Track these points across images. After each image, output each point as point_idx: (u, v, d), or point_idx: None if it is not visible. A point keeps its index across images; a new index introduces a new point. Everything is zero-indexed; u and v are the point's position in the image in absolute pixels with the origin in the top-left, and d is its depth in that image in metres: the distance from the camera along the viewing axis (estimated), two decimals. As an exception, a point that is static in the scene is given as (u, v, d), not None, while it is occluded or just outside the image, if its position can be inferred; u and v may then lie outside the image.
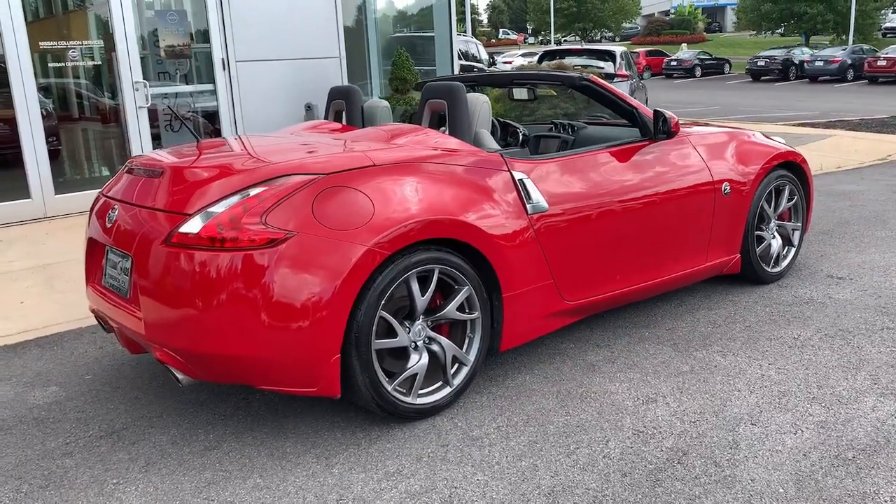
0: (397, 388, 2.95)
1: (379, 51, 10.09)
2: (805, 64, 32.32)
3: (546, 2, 51.60)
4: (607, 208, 3.57)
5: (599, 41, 56.72)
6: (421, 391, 3.03)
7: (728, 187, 4.13)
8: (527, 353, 3.66)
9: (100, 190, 3.56)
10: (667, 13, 73.38)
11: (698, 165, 4.04)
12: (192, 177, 2.95)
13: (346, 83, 8.84)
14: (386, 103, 4.27)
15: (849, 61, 31.33)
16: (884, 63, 30.22)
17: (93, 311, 3.46)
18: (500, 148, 3.50)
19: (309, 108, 7.68)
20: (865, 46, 33.67)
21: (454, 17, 9.69)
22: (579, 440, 2.85)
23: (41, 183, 7.03)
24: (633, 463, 2.67)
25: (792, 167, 4.62)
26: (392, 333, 2.94)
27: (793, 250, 4.74)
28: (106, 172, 8.00)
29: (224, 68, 7.92)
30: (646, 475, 2.60)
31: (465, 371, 3.15)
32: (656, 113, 3.85)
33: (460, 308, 3.10)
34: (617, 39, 60.09)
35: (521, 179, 3.31)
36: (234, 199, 2.78)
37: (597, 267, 3.57)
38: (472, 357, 3.16)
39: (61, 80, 7.44)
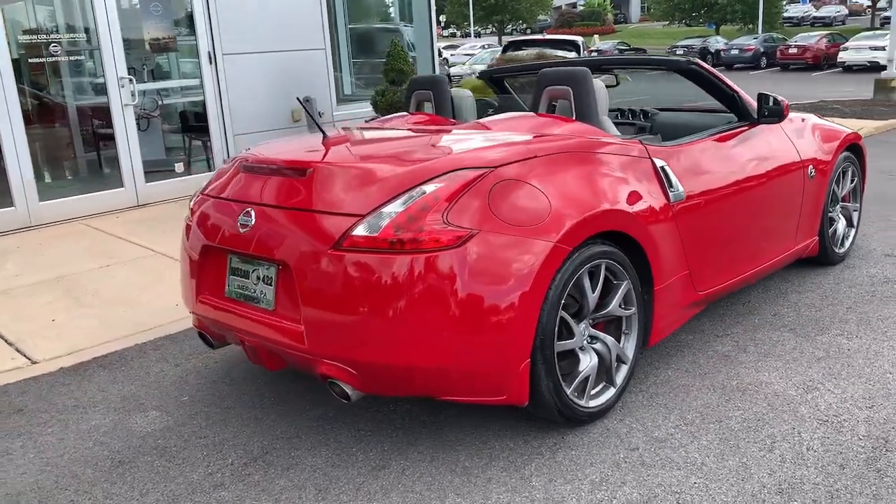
0: (574, 391, 2.79)
1: (349, 43, 9.78)
2: (721, 52, 33.53)
3: (464, -6, 51.69)
4: (731, 194, 3.50)
5: (511, 34, 57.24)
6: (591, 393, 2.88)
7: (813, 170, 4.14)
8: (653, 347, 3.56)
9: (200, 191, 3.24)
10: (574, 5, 74.91)
11: (791, 148, 4.03)
12: (352, 175, 2.69)
13: (331, 75, 8.52)
14: (470, 93, 4.08)
15: (762, 49, 32.68)
16: (795, 51, 31.70)
17: (200, 325, 3.15)
18: (630, 136, 3.37)
19: (308, 100, 7.34)
20: (776, 35, 35.23)
21: (433, 8, 9.48)
22: (770, 434, 2.76)
23: (24, 189, 6.46)
24: (842, 454, 2.60)
25: (854, 149, 4.68)
26: (568, 335, 2.77)
27: (853, 231, 4.81)
28: (94, 175, 7.43)
29: (211, 62, 7.48)
30: (864, 465, 2.53)
31: (624, 370, 3.01)
32: (764, 96, 3.80)
33: (620, 304, 2.96)
34: (529, 32, 60.80)
35: (662, 167, 3.19)
36: (409, 197, 2.54)
37: (722, 255, 3.50)
38: (630, 354, 3.03)
39: (40, 76, 6.85)
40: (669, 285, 3.16)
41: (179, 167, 7.59)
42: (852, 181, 4.72)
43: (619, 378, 2.98)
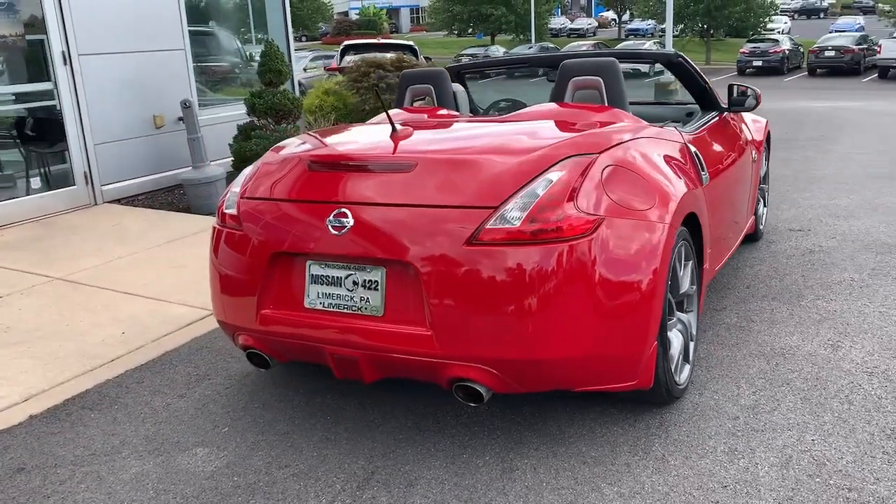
0: (672, 370, 2.86)
1: (188, 42, 9.11)
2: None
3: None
4: (727, 178, 3.77)
5: (299, 40, 56.32)
6: (678, 371, 2.96)
7: (755, 152, 4.57)
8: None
9: (239, 194, 2.88)
10: (346, 13, 75.39)
11: (745, 134, 4.41)
12: (467, 166, 2.54)
13: (192, 77, 7.90)
14: (462, 88, 4.01)
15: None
16: (569, 58, 34.38)
17: (258, 344, 2.80)
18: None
19: (188, 105, 6.74)
20: (549, 45, 37.96)
21: (289, 16, 9.12)
22: (839, 389, 3.00)
23: None
24: (908, 398, 2.92)
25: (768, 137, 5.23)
26: (669, 315, 2.83)
27: (766, 209, 5.36)
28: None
29: (65, 62, 6.62)
30: (933, 405, 2.85)
31: (692, 346, 3.13)
32: (739, 88, 4.12)
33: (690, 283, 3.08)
34: (304, 39, 60.18)
35: (695, 152, 3.36)
36: (539, 185, 2.46)
37: (722, 234, 3.75)
38: (695, 332, 3.15)
39: None
40: (708, 266, 3.34)
41: (35, 183, 6.63)
42: (767, 162, 5.26)
43: (691, 355, 3.10)
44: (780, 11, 47.95)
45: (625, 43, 39.83)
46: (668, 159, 3.02)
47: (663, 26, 45.83)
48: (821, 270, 4.46)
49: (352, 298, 2.58)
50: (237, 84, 9.23)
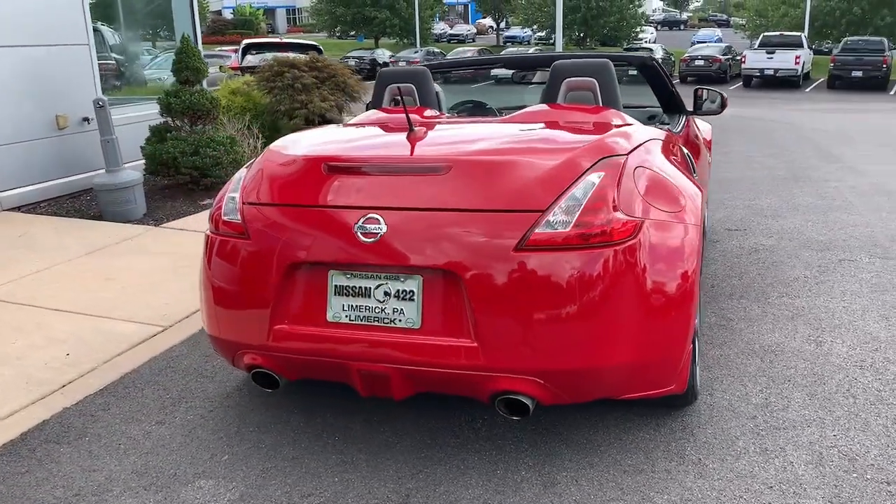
0: (692, 372, 2.85)
1: (92, 37, 8.47)
2: (392, 64, 35.40)
3: None
4: (702, 175, 3.84)
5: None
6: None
7: (709, 154, 4.70)
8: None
9: (243, 199, 2.63)
10: (219, 12, 73.02)
11: (703, 136, 4.53)
12: (506, 168, 2.41)
13: (97, 75, 7.31)
14: (438, 87, 3.86)
15: (424, 62, 35.21)
16: (455, 63, 34.75)
17: (269, 363, 2.56)
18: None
19: (101, 105, 6.21)
20: (434, 49, 38.23)
21: (197, 16, 8.65)
22: (838, 384, 3.08)
23: None
24: (903, 389, 3.04)
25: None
26: (691, 316, 2.81)
27: (707, 208, 5.54)
28: None
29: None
30: (929, 395, 2.99)
31: (697, 346, 3.13)
32: (707, 92, 4.20)
33: (694, 283, 3.08)
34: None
35: (687, 154, 3.38)
36: (583, 188, 2.37)
37: (701, 234, 3.82)
38: (698, 330, 3.16)
39: None
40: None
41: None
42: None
43: (697, 356, 3.10)
44: (647, 22, 50.44)
45: (509, 49, 40.62)
46: (675, 160, 3.01)
47: (540, 34, 47.38)
48: (773, 269, 4.63)
49: (383, 310, 2.40)
50: (143, 83, 8.66)
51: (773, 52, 25.62)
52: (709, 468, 2.53)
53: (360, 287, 2.42)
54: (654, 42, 44.97)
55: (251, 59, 11.86)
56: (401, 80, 3.70)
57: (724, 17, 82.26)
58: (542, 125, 2.95)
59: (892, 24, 34.49)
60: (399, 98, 3.67)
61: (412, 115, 3.35)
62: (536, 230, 2.28)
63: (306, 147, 2.75)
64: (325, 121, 8.66)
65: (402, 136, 2.69)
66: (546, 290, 2.26)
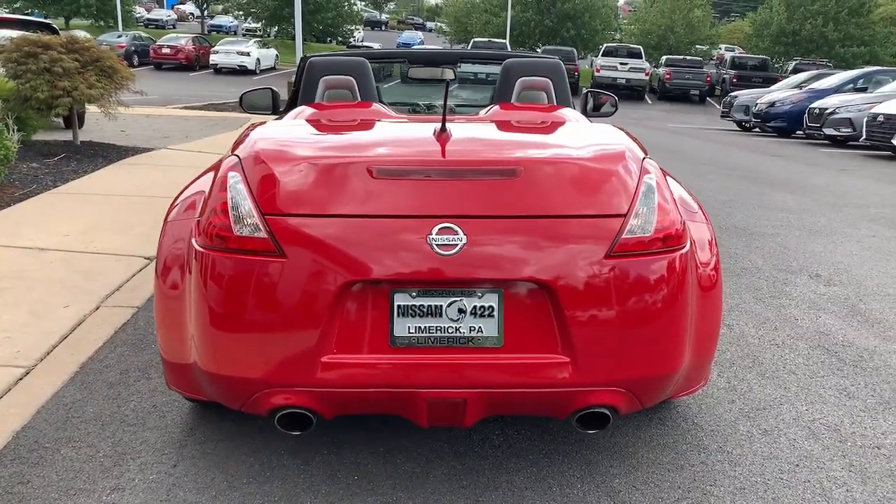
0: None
1: None
2: None
3: None
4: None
5: None
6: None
7: None
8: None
9: (253, 210, 2.16)
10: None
11: None
12: (576, 171, 2.27)
13: None
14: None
15: (133, 48, 32.26)
16: (168, 51, 32.51)
17: (310, 402, 2.17)
18: None
19: None
20: (144, 35, 35.36)
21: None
22: (784, 365, 3.42)
23: None
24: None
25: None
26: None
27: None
28: None
29: None
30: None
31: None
32: (598, 95, 4.31)
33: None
34: None
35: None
36: (647, 190, 2.31)
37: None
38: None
39: None
40: None
41: None
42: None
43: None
44: (360, 22, 51.53)
45: (236, 38, 38.79)
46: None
47: (247, 25, 46.02)
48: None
49: (458, 329, 2.15)
50: None
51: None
52: (734, 455, 2.65)
53: (430, 305, 2.14)
54: (363, 41, 46.08)
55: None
56: (336, 71, 3.33)
57: (420, 20, 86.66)
58: (547, 124, 2.87)
59: (575, 35, 39.17)
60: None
61: (361, 110, 3.07)
62: (624, 235, 2.20)
63: (334, 148, 2.36)
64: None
65: (432, 137, 2.42)
66: (636, 296, 2.19)
